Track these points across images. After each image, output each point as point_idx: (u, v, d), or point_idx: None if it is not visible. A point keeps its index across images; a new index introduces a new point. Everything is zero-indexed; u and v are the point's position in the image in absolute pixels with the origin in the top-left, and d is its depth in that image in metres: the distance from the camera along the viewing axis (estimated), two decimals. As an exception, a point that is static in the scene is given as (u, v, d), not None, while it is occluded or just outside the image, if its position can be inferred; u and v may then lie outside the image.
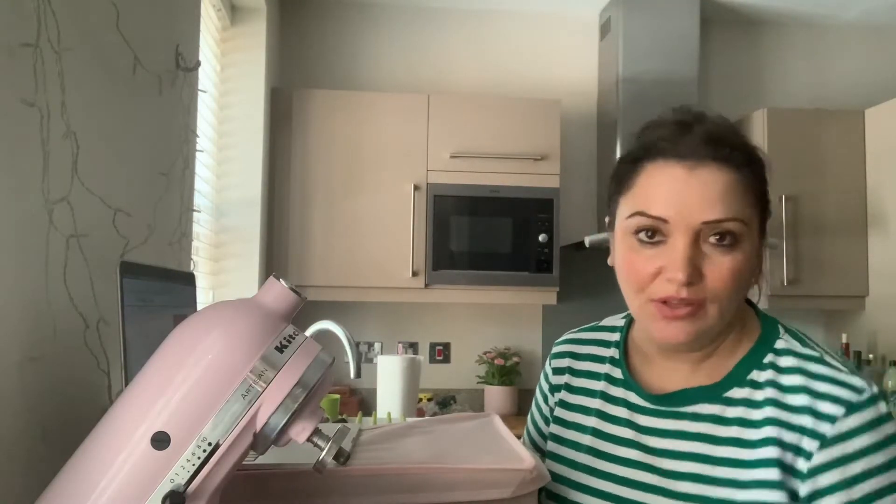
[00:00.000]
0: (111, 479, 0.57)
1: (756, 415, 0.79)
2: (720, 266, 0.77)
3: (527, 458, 0.77)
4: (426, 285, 2.79)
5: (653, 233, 0.80)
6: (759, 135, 3.02)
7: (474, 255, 2.80)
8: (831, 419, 0.75)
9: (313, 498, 0.73)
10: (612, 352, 0.95)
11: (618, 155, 2.94)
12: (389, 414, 1.51)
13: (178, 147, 1.54)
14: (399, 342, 3.12)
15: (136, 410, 0.59)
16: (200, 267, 2.26)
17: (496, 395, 2.99)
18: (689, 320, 0.78)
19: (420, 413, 2.51)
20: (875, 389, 0.76)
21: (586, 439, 0.90)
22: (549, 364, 1.02)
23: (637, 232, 0.82)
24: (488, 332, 3.15)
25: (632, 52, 2.98)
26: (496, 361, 3.02)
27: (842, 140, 3.01)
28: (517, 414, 3.02)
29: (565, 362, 0.99)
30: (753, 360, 0.82)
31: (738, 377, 0.82)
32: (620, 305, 0.93)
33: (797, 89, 3.37)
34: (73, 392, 0.98)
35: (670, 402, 0.85)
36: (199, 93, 1.75)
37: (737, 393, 0.81)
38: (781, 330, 0.85)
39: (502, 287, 2.82)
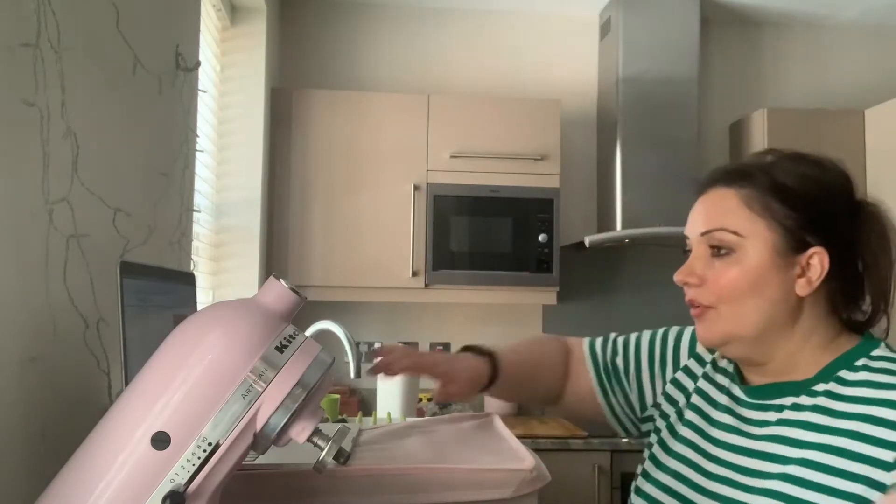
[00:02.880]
0: (111, 479, 0.57)
1: (838, 406, 0.82)
2: (717, 273, 0.87)
3: (527, 459, 0.77)
4: (426, 285, 2.79)
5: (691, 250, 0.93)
6: (758, 135, 3.02)
7: (474, 255, 2.80)
8: None
9: (313, 498, 0.73)
10: None
11: (618, 155, 2.94)
12: (389, 414, 1.51)
13: (178, 147, 1.54)
14: (399, 342, 3.12)
15: (136, 410, 0.59)
16: (200, 267, 2.26)
17: (496, 395, 2.99)
18: (701, 321, 0.90)
19: (420, 413, 2.51)
20: None
21: (687, 413, 0.97)
22: (693, 357, 1.04)
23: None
24: (488, 332, 3.15)
25: (632, 52, 2.98)
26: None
27: (842, 140, 3.01)
28: (517, 414, 3.02)
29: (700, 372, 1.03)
30: (845, 361, 0.86)
31: (826, 374, 0.86)
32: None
33: (797, 89, 3.37)
34: (73, 392, 0.98)
35: (759, 394, 0.91)
36: (199, 93, 1.75)
37: (821, 386, 0.85)
38: (883, 344, 0.88)
39: (502, 287, 2.82)
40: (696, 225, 0.91)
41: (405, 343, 3.11)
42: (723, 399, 0.94)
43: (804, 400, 0.86)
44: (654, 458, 0.97)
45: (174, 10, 1.52)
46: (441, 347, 3.13)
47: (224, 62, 2.59)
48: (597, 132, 3.23)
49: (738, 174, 0.90)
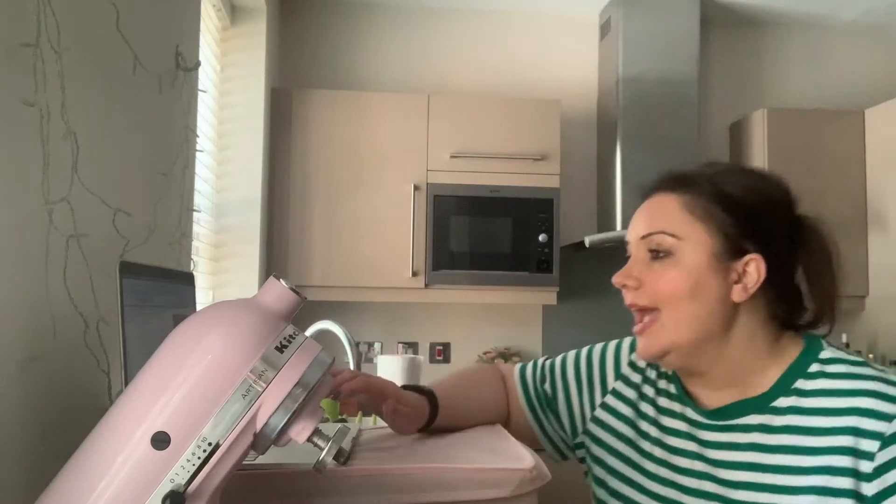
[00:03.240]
0: (111, 479, 0.57)
1: (807, 421, 0.83)
2: (655, 275, 0.88)
3: (526, 458, 0.77)
4: (426, 285, 2.79)
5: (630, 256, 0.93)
6: (759, 135, 3.02)
7: (474, 255, 2.80)
8: (889, 418, 0.78)
9: (313, 498, 0.73)
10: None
11: (618, 155, 2.94)
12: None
13: (178, 147, 1.54)
14: (399, 342, 3.12)
15: (136, 410, 0.59)
16: (200, 267, 2.26)
17: (496, 395, 2.99)
18: (644, 335, 0.89)
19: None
20: None
21: (645, 445, 0.95)
22: (627, 365, 1.03)
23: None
24: (488, 332, 3.15)
25: (632, 52, 2.98)
26: (496, 361, 3.02)
27: (842, 140, 3.01)
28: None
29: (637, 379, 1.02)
30: (798, 370, 0.87)
31: (782, 387, 0.86)
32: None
33: (797, 89, 3.37)
34: (73, 392, 0.98)
35: (720, 416, 0.90)
36: (199, 93, 1.75)
37: (782, 402, 0.86)
38: (825, 344, 0.88)
39: (502, 287, 2.82)
40: (636, 229, 0.91)
41: (405, 343, 3.12)
42: (681, 426, 0.92)
43: (771, 420, 0.85)
44: (618, 496, 0.95)
45: (174, 10, 1.52)
46: (441, 347, 3.14)
47: (224, 62, 2.59)
48: (597, 132, 3.23)
49: (681, 180, 0.90)
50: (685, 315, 0.86)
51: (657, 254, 0.88)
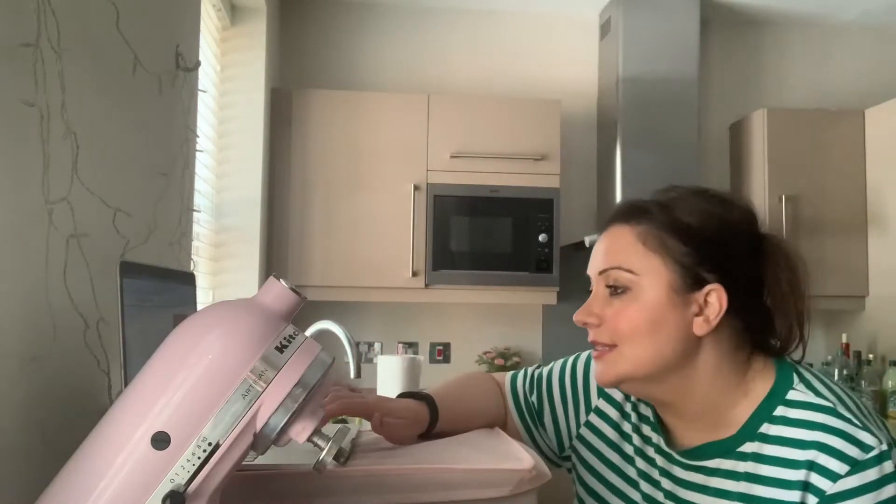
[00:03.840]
0: (111, 479, 0.57)
1: (764, 470, 0.81)
2: (615, 312, 0.85)
3: (525, 459, 0.77)
4: (426, 285, 2.79)
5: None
6: (758, 135, 3.02)
7: (474, 255, 2.80)
8: (833, 476, 0.76)
9: (313, 498, 0.73)
10: None
11: (618, 155, 2.94)
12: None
13: (178, 147, 1.54)
14: (399, 342, 3.12)
15: (136, 410, 0.59)
16: (200, 267, 2.26)
17: (496, 395, 2.99)
18: (601, 361, 0.87)
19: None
20: (885, 446, 0.76)
21: (632, 472, 0.93)
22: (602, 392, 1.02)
23: None
24: (488, 332, 3.15)
25: (632, 52, 2.98)
26: (496, 361, 3.02)
27: (842, 140, 3.01)
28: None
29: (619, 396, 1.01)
30: (765, 412, 0.84)
31: (750, 430, 0.84)
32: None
33: (797, 89, 3.37)
34: (73, 392, 0.98)
35: (692, 456, 0.88)
36: (199, 93, 1.75)
37: (748, 447, 0.83)
38: (796, 379, 0.85)
39: (502, 287, 2.82)
40: (594, 264, 0.89)
41: (405, 343, 3.12)
42: (658, 459, 0.91)
43: (735, 465, 0.83)
44: None
45: (174, 10, 1.52)
46: (441, 347, 3.14)
47: (224, 62, 2.59)
48: (597, 132, 3.23)
49: (635, 211, 0.88)
50: (644, 350, 0.84)
51: (615, 289, 0.86)
